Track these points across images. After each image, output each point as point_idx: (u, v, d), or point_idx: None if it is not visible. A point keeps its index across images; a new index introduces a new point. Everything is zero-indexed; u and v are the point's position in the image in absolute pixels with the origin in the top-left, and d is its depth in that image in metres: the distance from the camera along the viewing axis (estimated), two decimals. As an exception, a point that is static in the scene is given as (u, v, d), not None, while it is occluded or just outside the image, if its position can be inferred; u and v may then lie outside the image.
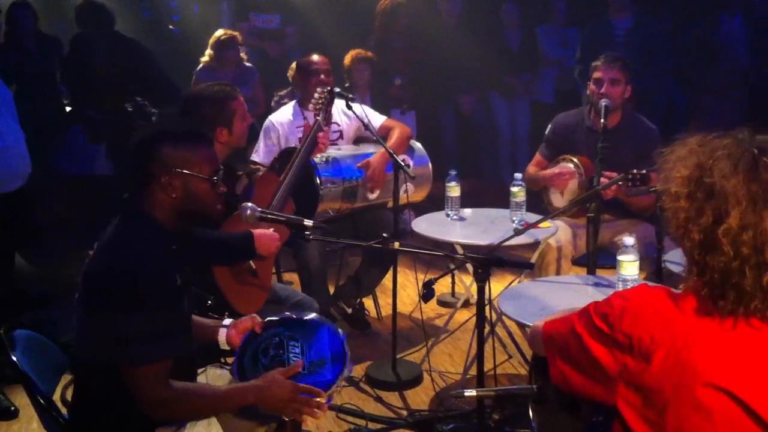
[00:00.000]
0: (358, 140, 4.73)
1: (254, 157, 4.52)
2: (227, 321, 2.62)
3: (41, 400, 2.31)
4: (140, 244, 2.20)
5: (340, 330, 2.53)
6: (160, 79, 6.14)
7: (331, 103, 4.11)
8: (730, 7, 6.51)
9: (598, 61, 4.29)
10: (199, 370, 2.64)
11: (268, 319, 2.59)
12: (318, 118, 3.99)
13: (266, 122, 4.63)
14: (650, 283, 1.67)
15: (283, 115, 4.61)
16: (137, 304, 2.11)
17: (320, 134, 3.99)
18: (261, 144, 4.56)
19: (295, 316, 2.63)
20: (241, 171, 3.60)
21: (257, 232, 3.22)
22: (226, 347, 2.59)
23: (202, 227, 2.99)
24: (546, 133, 4.59)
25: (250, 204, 2.78)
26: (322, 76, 4.52)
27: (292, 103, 4.72)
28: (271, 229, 3.28)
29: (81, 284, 2.23)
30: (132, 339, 2.11)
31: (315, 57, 4.65)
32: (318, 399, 2.34)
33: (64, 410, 2.47)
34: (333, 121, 4.64)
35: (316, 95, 4.07)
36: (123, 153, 2.46)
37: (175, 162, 2.28)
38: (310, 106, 4.11)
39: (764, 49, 6.59)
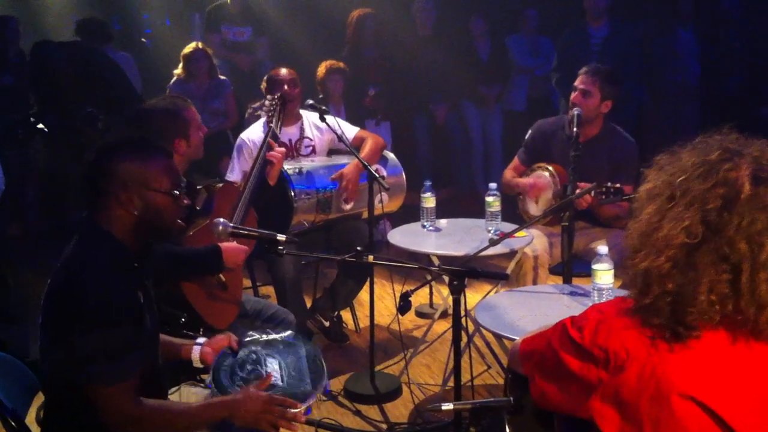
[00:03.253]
0: (330, 152, 4.71)
1: (229, 177, 4.46)
2: (201, 339, 2.59)
3: (12, 422, 2.27)
4: (97, 263, 2.15)
5: (316, 345, 2.54)
6: (122, 88, 6.11)
7: (282, 108, 4.08)
8: (684, 20, 6.66)
9: (582, 69, 4.31)
10: (173, 389, 2.61)
11: (244, 339, 2.58)
12: (271, 125, 3.97)
13: (238, 140, 4.56)
14: (626, 295, 1.66)
15: (254, 132, 4.55)
16: (95, 324, 2.07)
17: (275, 143, 3.97)
18: (234, 163, 4.49)
19: (271, 335, 2.63)
20: (200, 185, 3.56)
21: (224, 245, 3.19)
22: (200, 365, 2.56)
23: (166, 242, 2.94)
24: (525, 138, 4.59)
25: (222, 220, 2.75)
26: (286, 87, 4.47)
27: (263, 119, 4.69)
28: (233, 242, 3.25)
29: (42, 305, 2.19)
30: (91, 359, 2.07)
31: (282, 70, 4.60)
32: (294, 410, 2.31)
33: (38, 431, 2.43)
34: (305, 136, 4.62)
35: (267, 102, 4.03)
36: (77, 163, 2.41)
37: (133, 178, 2.21)
38: (262, 112, 4.09)
39: (712, 62, 6.74)
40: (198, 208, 3.49)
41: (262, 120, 4.62)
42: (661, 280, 1.51)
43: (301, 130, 4.62)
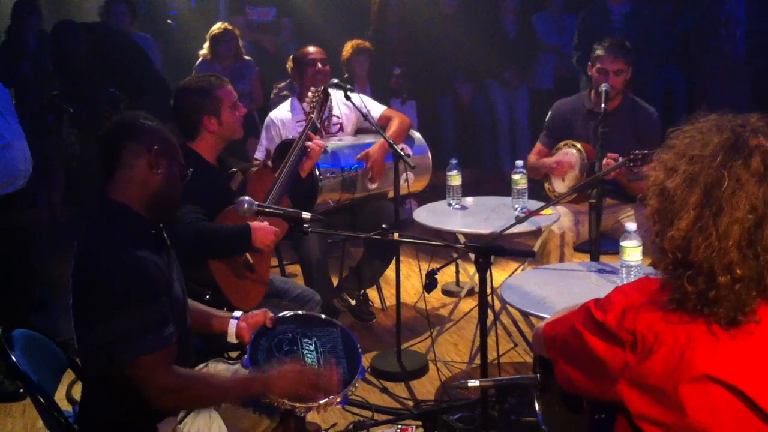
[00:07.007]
0: (357, 131, 4.71)
1: (257, 155, 4.51)
2: (237, 313, 2.62)
3: (41, 400, 2.30)
4: (116, 242, 2.17)
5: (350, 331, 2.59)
6: (144, 70, 6.10)
7: (325, 101, 4.09)
8: None
9: (600, 50, 4.22)
10: (201, 365, 2.63)
11: (281, 315, 2.59)
12: (312, 116, 3.97)
13: (267, 119, 4.61)
14: (652, 275, 1.62)
15: (282, 112, 4.59)
16: (122, 305, 2.09)
17: (314, 134, 3.98)
18: (263, 140, 4.56)
19: (307, 314, 2.68)
20: (236, 167, 3.57)
21: (254, 224, 3.21)
22: (234, 340, 2.59)
23: (204, 219, 2.98)
24: (546, 120, 4.56)
25: (247, 198, 2.75)
26: (319, 65, 4.53)
27: (290, 99, 4.70)
28: (265, 223, 3.26)
29: (71, 286, 2.22)
30: (121, 338, 2.09)
31: (310, 48, 4.66)
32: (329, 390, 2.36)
33: (69, 408, 2.46)
34: (333, 114, 4.62)
35: (309, 94, 4.04)
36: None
37: (162, 143, 2.30)
38: (305, 105, 4.09)
39: (762, 29, 6.53)
40: (234, 189, 3.52)
41: (289, 100, 4.64)
42: (728, 267, 1.46)
43: (330, 108, 4.63)
